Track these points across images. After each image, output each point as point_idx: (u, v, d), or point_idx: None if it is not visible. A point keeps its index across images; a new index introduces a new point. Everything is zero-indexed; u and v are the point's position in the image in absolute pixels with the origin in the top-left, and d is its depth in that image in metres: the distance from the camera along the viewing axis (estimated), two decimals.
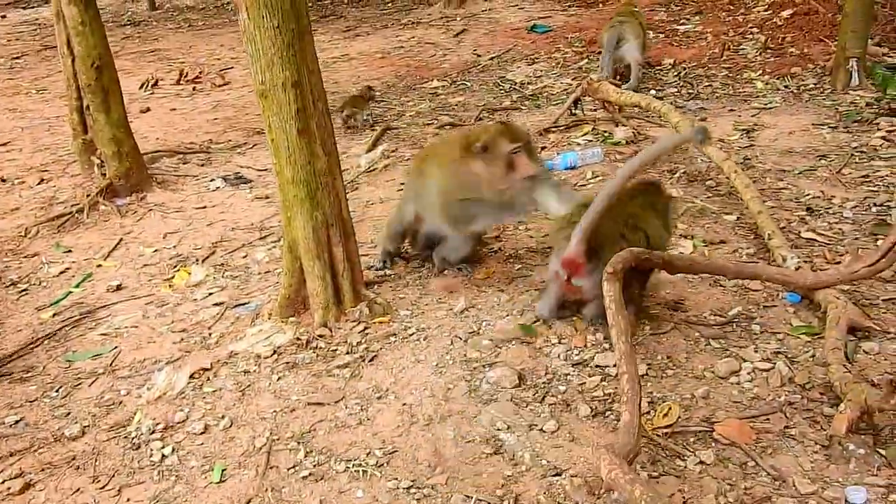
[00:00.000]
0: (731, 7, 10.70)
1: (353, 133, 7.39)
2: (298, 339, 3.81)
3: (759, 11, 10.20)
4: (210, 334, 4.02)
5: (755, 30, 9.50)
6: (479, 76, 9.09)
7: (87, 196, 5.79)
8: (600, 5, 11.89)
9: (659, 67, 8.69)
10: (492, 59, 9.68)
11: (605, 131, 6.55)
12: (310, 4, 13.76)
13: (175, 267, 4.94)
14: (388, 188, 5.77)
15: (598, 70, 8.37)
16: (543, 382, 3.32)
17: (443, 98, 8.37)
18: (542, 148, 6.33)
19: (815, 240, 4.45)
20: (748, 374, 3.23)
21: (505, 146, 3.71)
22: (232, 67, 10.26)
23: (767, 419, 2.98)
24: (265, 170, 6.36)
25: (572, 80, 8.60)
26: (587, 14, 11.40)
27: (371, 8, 12.84)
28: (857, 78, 7.27)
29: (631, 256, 2.97)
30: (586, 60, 9.17)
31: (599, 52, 9.24)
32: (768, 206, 4.79)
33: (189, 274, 4.70)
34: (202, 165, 6.71)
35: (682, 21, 10.32)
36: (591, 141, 6.42)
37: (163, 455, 3.15)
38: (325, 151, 3.82)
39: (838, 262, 4.11)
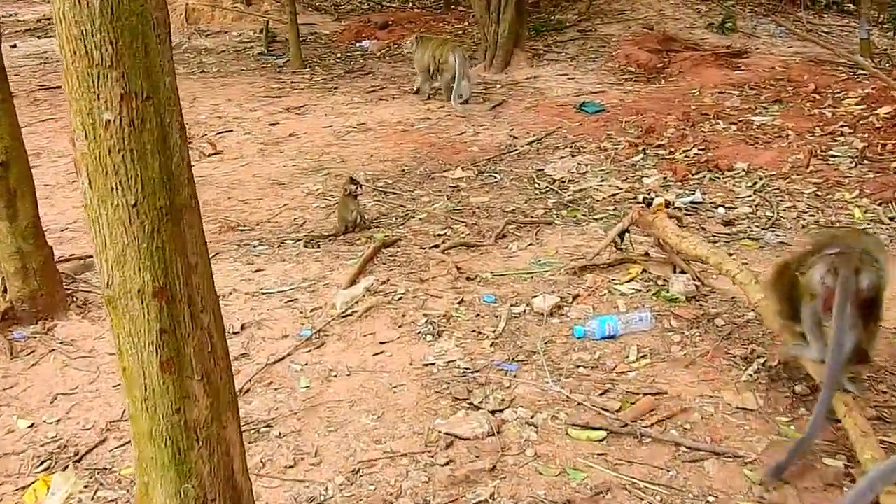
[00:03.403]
0: (817, 97, 9.20)
1: (344, 241, 6.05)
2: None
3: (849, 105, 8.70)
4: None
5: (847, 129, 8.03)
6: (512, 166, 7.81)
7: None
8: (662, 82, 10.46)
9: (730, 173, 7.23)
10: (530, 143, 8.41)
11: (660, 278, 5.11)
12: (338, 56, 12.80)
13: (42, 465, 3.57)
14: (364, 350, 4.40)
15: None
16: None
17: (465, 195, 7.09)
18: (575, 297, 4.89)
19: None
20: None
21: None
22: (231, 130, 9.10)
23: None
24: (228, 292, 5.01)
25: (623, 181, 7.25)
26: (646, 92, 10.02)
27: (404, 64, 11.59)
28: None
29: None
30: (641, 156, 7.78)
31: (657, 146, 7.92)
32: None
33: (47, 489, 3.31)
34: None
35: (758, 110, 8.87)
36: (638, 291, 5.00)
37: None
38: (209, 390, 2.42)
39: None
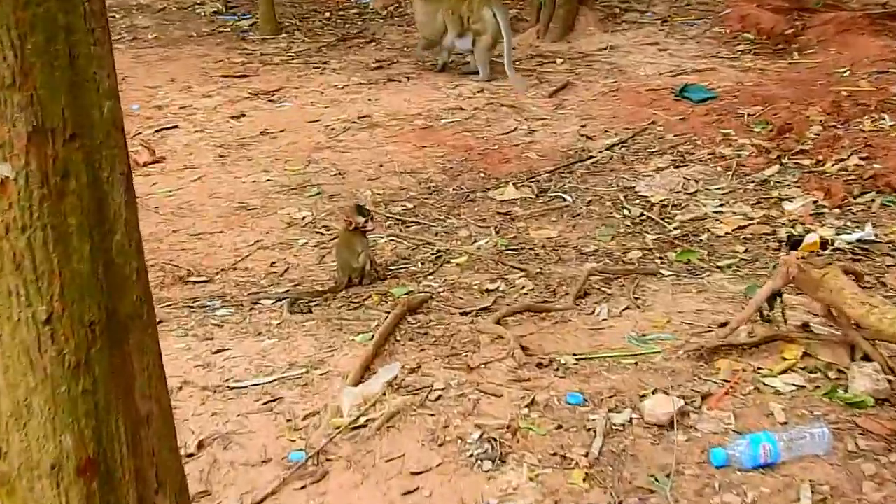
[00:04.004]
0: None
1: (347, 301, 5.82)
2: None
3: None
4: None
5: None
6: (587, 181, 7.60)
7: None
8: (795, 55, 10.30)
9: None
10: (611, 147, 8.19)
11: (832, 367, 4.78)
12: (327, 16, 12.62)
13: None
14: (389, 485, 4.08)
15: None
16: None
17: (521, 226, 6.84)
18: (705, 398, 4.58)
19: None
20: None
21: None
22: (176, 126, 8.95)
23: None
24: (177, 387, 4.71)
25: (753, 206, 7.01)
26: (773, 70, 9.87)
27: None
28: None
29: None
30: (776, 168, 7.56)
31: (798, 153, 7.69)
32: None
33: None
34: None
35: None
36: (800, 388, 4.67)
37: None
38: None
39: None
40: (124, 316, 1.98)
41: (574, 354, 5.01)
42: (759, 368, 4.79)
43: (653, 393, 4.57)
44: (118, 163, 1.96)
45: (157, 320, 5.07)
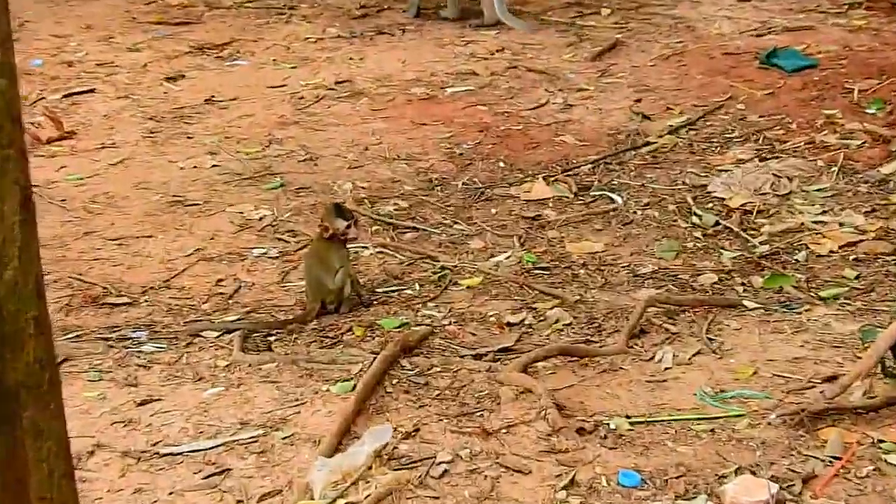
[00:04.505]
0: None
1: (320, 335, 5.79)
2: None
3: None
4: None
5: None
6: (643, 176, 7.60)
7: None
8: None
9: None
10: (675, 130, 8.19)
11: None
12: None
13: None
14: None
15: None
16: None
17: (554, 236, 6.83)
18: (807, 481, 4.56)
19: None
20: None
21: None
22: (92, 90, 8.99)
23: None
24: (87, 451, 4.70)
25: (866, 216, 7.00)
26: (893, 29, 9.90)
27: None
28: None
29: None
30: None
31: None
32: None
33: None
34: None
35: None
36: None
37: None
38: None
39: None
40: (15, 386, 1.92)
41: (628, 416, 4.99)
42: (881, 441, 4.77)
43: (736, 473, 4.54)
44: (12, 168, 1.86)
45: (61, 358, 5.09)
